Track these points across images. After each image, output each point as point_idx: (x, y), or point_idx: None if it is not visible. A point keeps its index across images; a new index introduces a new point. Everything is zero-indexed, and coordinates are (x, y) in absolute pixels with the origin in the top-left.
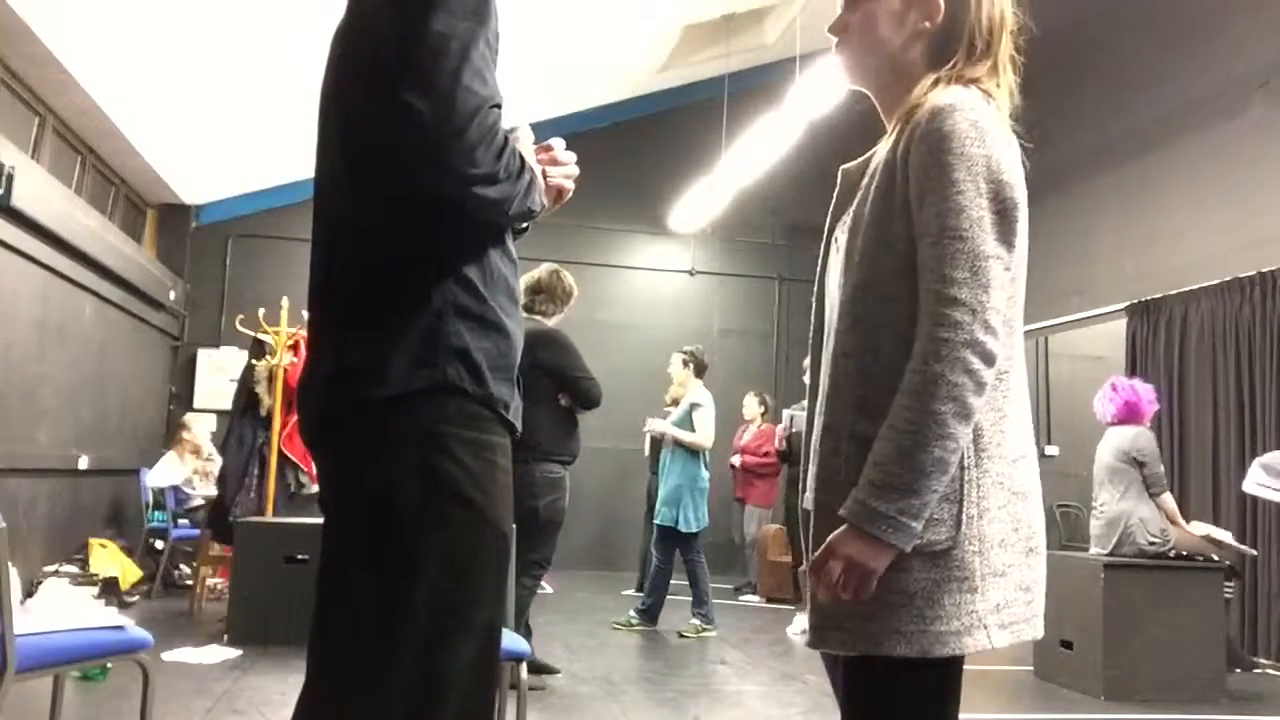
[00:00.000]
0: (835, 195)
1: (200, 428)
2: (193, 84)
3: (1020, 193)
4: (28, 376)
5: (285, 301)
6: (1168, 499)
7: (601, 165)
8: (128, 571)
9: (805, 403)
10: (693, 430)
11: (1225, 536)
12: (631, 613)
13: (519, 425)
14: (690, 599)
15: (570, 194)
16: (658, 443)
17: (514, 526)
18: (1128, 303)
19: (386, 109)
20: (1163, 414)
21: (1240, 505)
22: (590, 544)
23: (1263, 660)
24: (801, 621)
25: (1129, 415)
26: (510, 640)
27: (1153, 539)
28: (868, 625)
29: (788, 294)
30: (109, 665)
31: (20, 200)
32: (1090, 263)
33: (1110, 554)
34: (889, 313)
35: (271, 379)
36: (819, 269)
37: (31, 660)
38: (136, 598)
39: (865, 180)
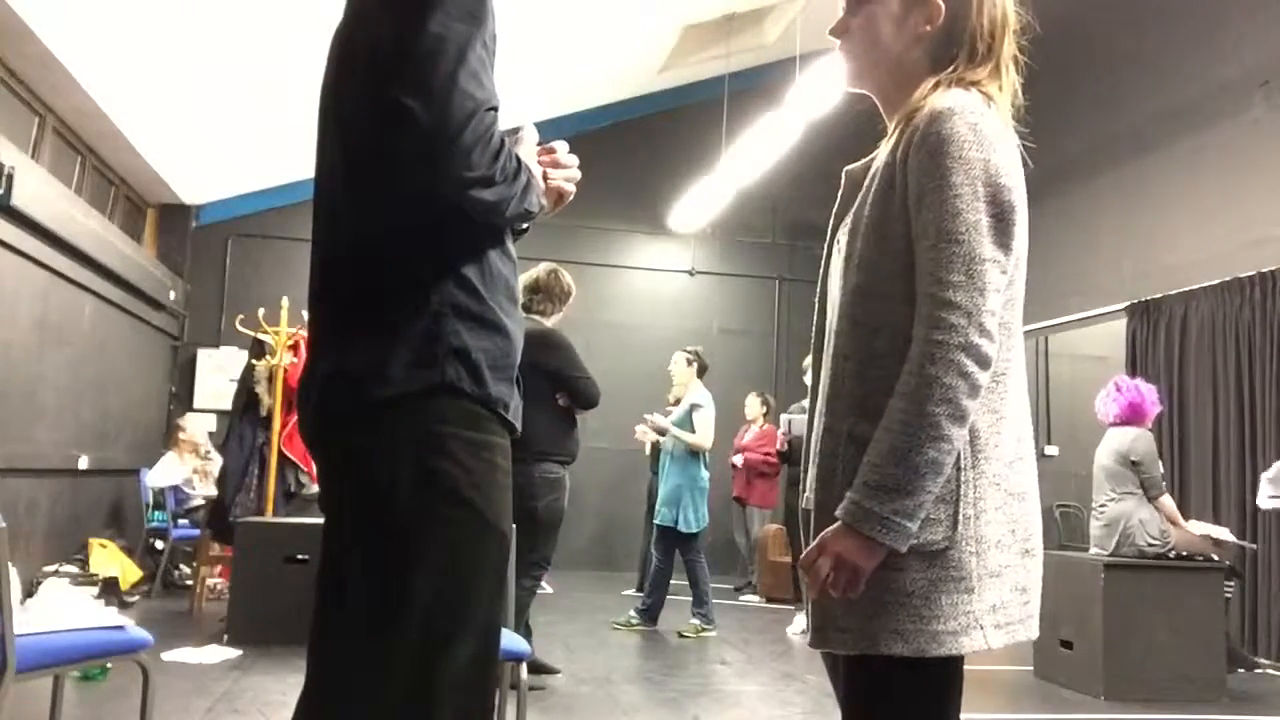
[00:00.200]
0: (839, 196)
1: (197, 427)
2: (193, 84)
3: (1019, 196)
4: (28, 376)
5: (285, 301)
6: (1166, 501)
7: (601, 165)
8: (128, 571)
9: (803, 404)
10: (693, 430)
11: (1224, 534)
12: (632, 613)
13: (519, 425)
14: (690, 599)
15: (571, 197)
16: (658, 443)
17: (514, 526)
18: (1127, 303)
19: (383, 111)
20: (1163, 414)
21: (1240, 505)
22: (590, 544)
23: (1263, 660)
24: (801, 621)
25: (1132, 416)
26: (510, 640)
27: (1152, 541)
28: (866, 625)
29: (788, 294)
30: (109, 665)
31: (20, 200)
32: (1090, 263)
33: (1110, 555)
34: (888, 315)
35: (271, 379)
36: (821, 270)
37: (31, 660)
38: (136, 598)
39: (866, 182)
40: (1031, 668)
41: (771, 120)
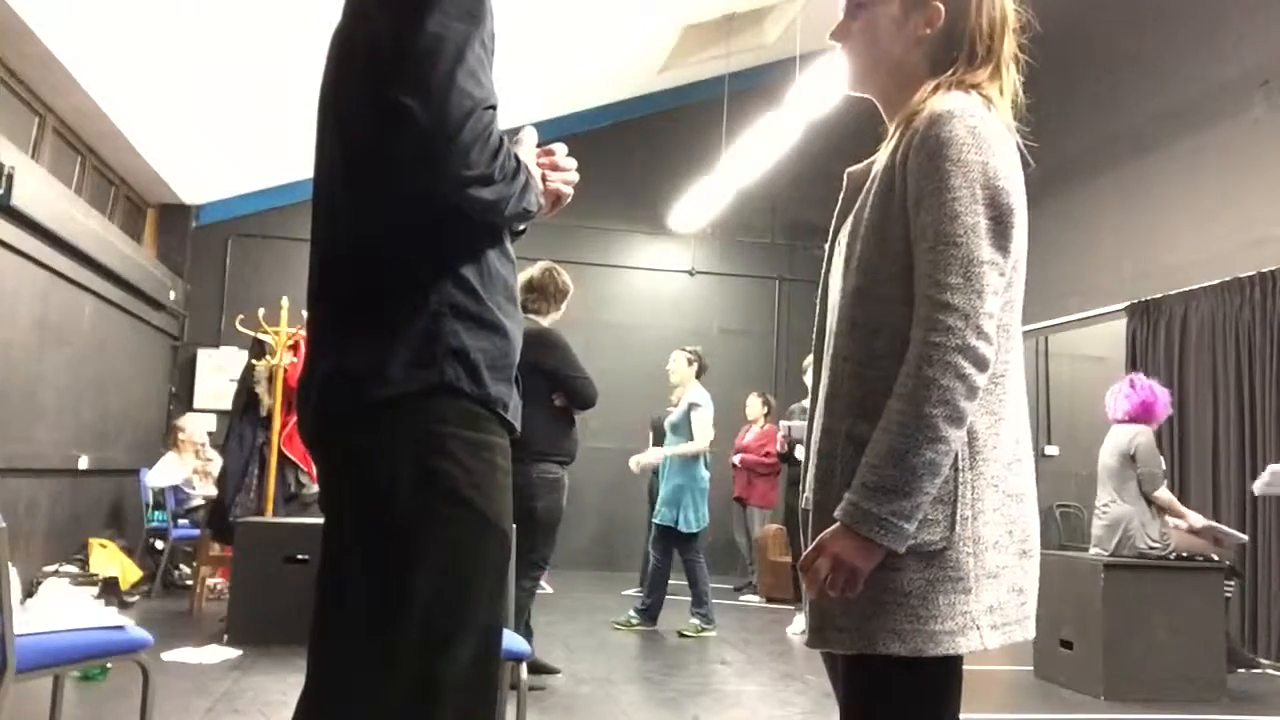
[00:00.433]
0: (840, 198)
1: (196, 427)
2: (193, 84)
3: (1018, 199)
4: (28, 376)
5: (285, 301)
6: (1162, 494)
7: (601, 165)
8: (128, 571)
9: (804, 405)
10: (690, 430)
11: (1221, 527)
12: (631, 612)
13: (518, 425)
14: (690, 599)
15: (569, 199)
16: (658, 442)
17: (514, 526)
18: (1127, 303)
19: (381, 110)
20: None
21: (1240, 504)
22: (590, 544)
23: (1263, 660)
24: (801, 621)
25: (1142, 414)
26: (510, 640)
27: (1153, 545)
28: (864, 624)
29: (788, 294)
30: (109, 665)
31: (20, 200)
32: (1090, 263)
33: (1110, 555)
34: (887, 316)
35: (271, 379)
36: (823, 271)
37: (31, 660)
38: (136, 598)
39: (867, 184)
40: (1031, 668)
41: (771, 120)
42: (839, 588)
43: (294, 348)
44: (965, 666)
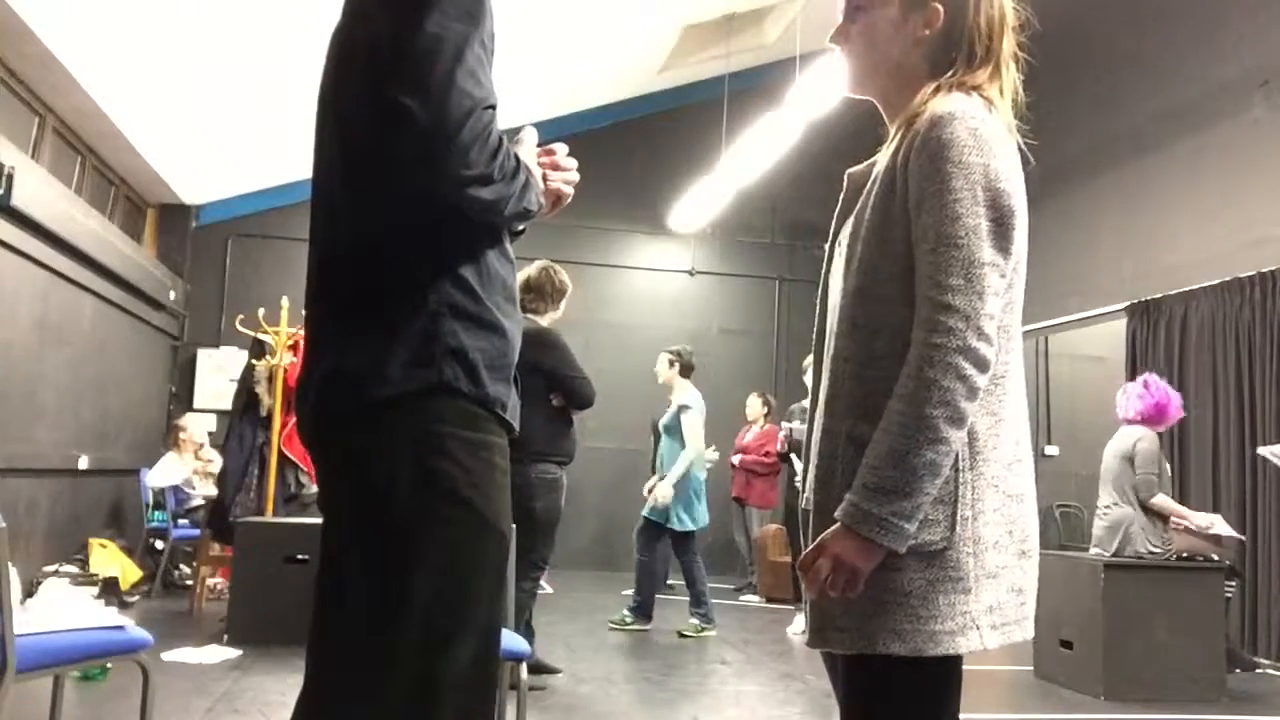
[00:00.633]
0: (840, 199)
1: (197, 427)
2: (193, 84)
3: (1019, 201)
4: (28, 376)
5: (285, 301)
6: (1159, 500)
7: (601, 165)
8: (128, 571)
9: (804, 405)
10: (681, 433)
11: (1220, 523)
12: (625, 612)
13: (517, 425)
14: (689, 599)
15: (569, 199)
16: (658, 442)
17: (513, 526)
18: (1128, 303)
19: (381, 110)
20: None
21: (1240, 504)
22: (590, 544)
23: (1263, 660)
24: (801, 621)
25: (1155, 415)
26: (510, 640)
27: (1153, 548)
28: (864, 624)
29: (788, 294)
30: (109, 665)
31: (20, 200)
32: (1090, 263)
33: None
34: (887, 317)
35: (271, 379)
36: (823, 272)
37: (31, 660)
38: (136, 598)
39: (868, 185)
40: (1031, 668)
41: (771, 120)
42: (840, 588)
43: (294, 348)
44: (965, 666)
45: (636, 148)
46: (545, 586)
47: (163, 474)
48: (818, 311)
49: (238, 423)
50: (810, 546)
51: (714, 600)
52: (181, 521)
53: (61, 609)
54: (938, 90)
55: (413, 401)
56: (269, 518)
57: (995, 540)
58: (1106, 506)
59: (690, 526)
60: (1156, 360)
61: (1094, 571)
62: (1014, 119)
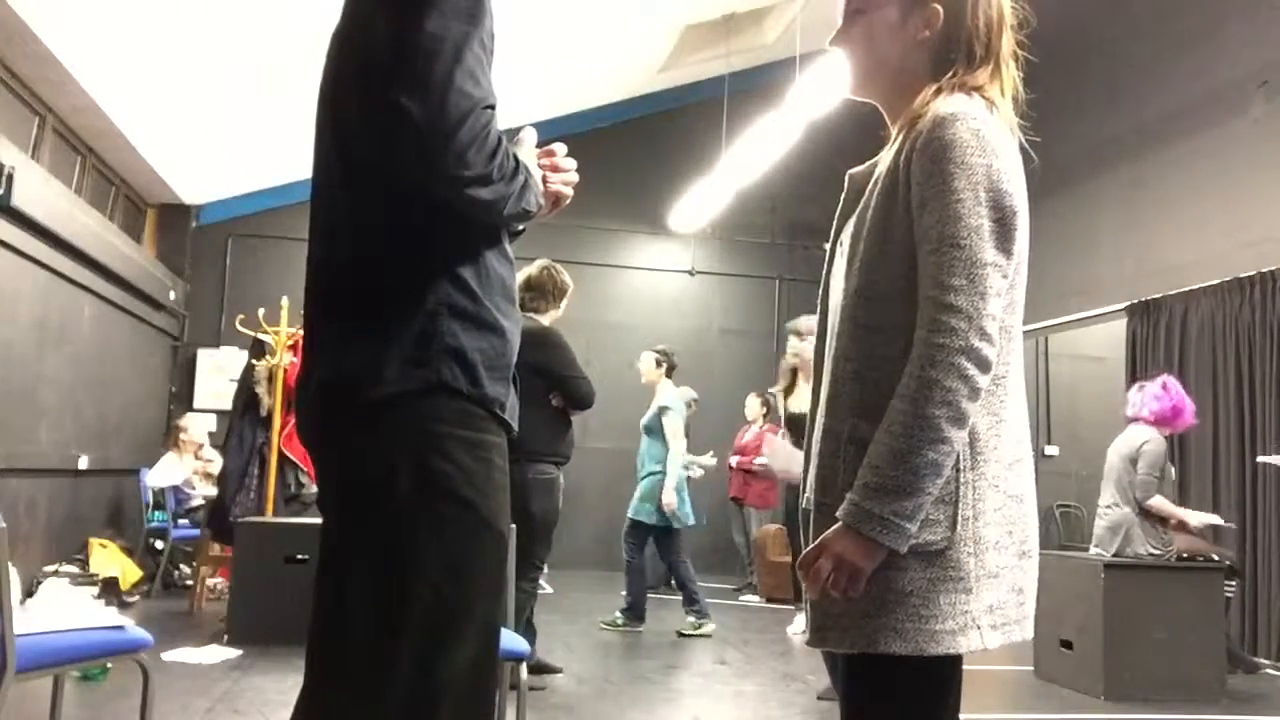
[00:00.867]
0: (841, 200)
1: (198, 427)
2: (193, 84)
3: (1020, 201)
4: (28, 376)
5: (285, 301)
6: (1156, 502)
7: (601, 165)
8: (128, 571)
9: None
10: (662, 434)
11: (1216, 521)
12: (617, 613)
13: (516, 425)
14: (681, 599)
15: (568, 200)
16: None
17: (512, 526)
18: (1128, 303)
19: (379, 110)
20: None
21: (1240, 505)
22: (590, 544)
23: (1263, 660)
24: (801, 621)
25: (1170, 417)
26: (510, 640)
27: (1154, 550)
28: (865, 623)
29: (788, 294)
30: (109, 665)
31: (20, 200)
32: (1090, 263)
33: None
34: (889, 317)
35: (271, 379)
36: (824, 272)
37: (31, 660)
38: (136, 598)
39: (870, 186)
40: (1031, 668)
41: (771, 120)
42: (841, 588)
43: (294, 348)
44: (965, 666)
45: (636, 148)
46: (545, 586)
47: (163, 474)
48: (819, 312)
49: (238, 423)
50: (811, 546)
51: (714, 600)
52: (181, 521)
53: (61, 609)
54: (939, 91)
55: (411, 401)
56: (269, 518)
57: (996, 540)
58: (1108, 506)
59: (672, 525)
60: (1156, 360)
61: (1094, 571)
62: (1015, 118)
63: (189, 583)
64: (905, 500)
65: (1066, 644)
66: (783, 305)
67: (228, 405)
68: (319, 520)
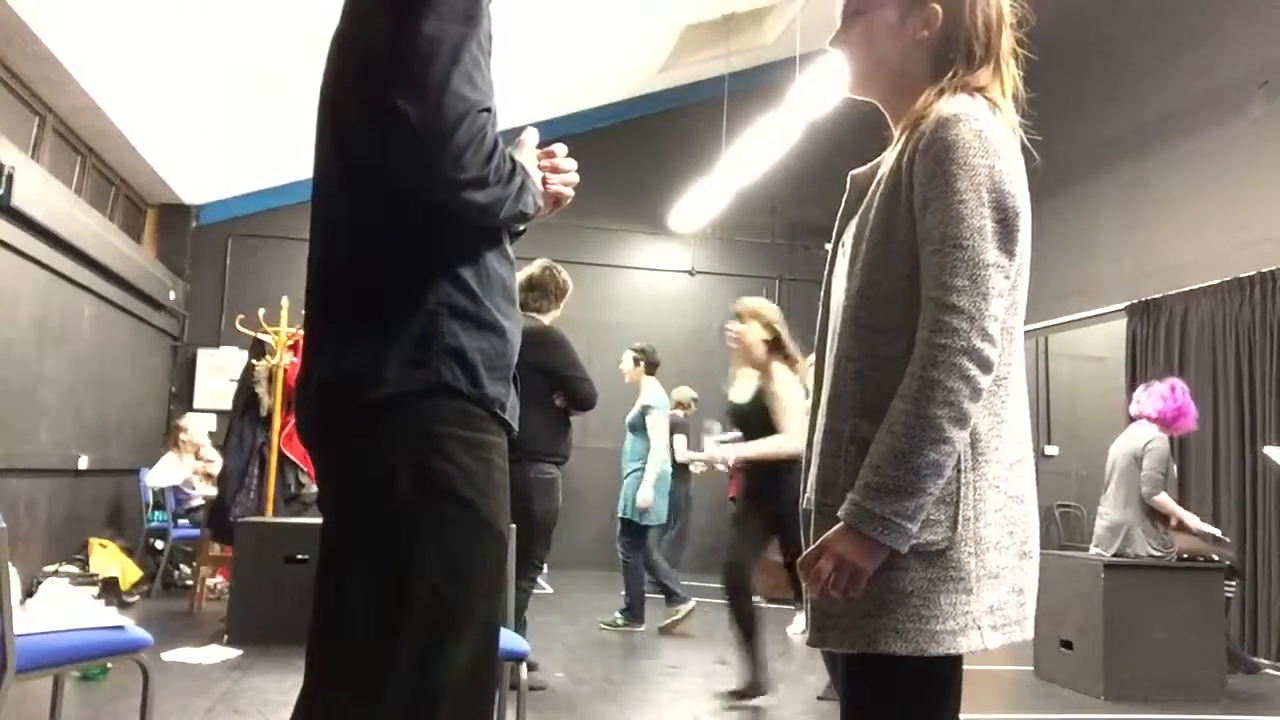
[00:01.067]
0: (844, 200)
1: (197, 427)
2: (193, 84)
3: (1023, 202)
4: (28, 376)
5: (285, 301)
6: (1161, 499)
7: (601, 165)
8: (128, 571)
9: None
10: (646, 432)
11: (1217, 534)
12: (617, 613)
13: (516, 424)
14: (662, 595)
15: (569, 201)
16: (672, 445)
17: (512, 526)
18: (1128, 303)
19: (377, 112)
20: None
21: (1240, 505)
22: (590, 544)
23: (1263, 660)
24: (801, 621)
25: (1175, 418)
26: (510, 640)
27: (1154, 551)
28: (866, 623)
29: (788, 294)
30: (109, 665)
31: (20, 200)
32: (1090, 263)
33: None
34: (890, 318)
35: (271, 379)
36: (826, 273)
37: (31, 660)
38: (136, 598)
39: (872, 187)
40: (1032, 668)
41: (771, 120)
42: (842, 588)
43: (294, 348)
44: (965, 666)
45: (636, 148)
46: (545, 586)
47: (163, 474)
48: (820, 312)
49: (238, 423)
50: (812, 546)
51: (715, 600)
52: (181, 521)
53: (61, 609)
54: (941, 92)
55: (411, 402)
56: (269, 518)
57: (997, 541)
58: (1109, 507)
59: (641, 520)
60: (1156, 360)
61: (1094, 571)
62: (1017, 117)
63: (189, 583)
64: (906, 500)
65: (1066, 644)
66: (783, 305)
67: (228, 405)
68: (319, 520)
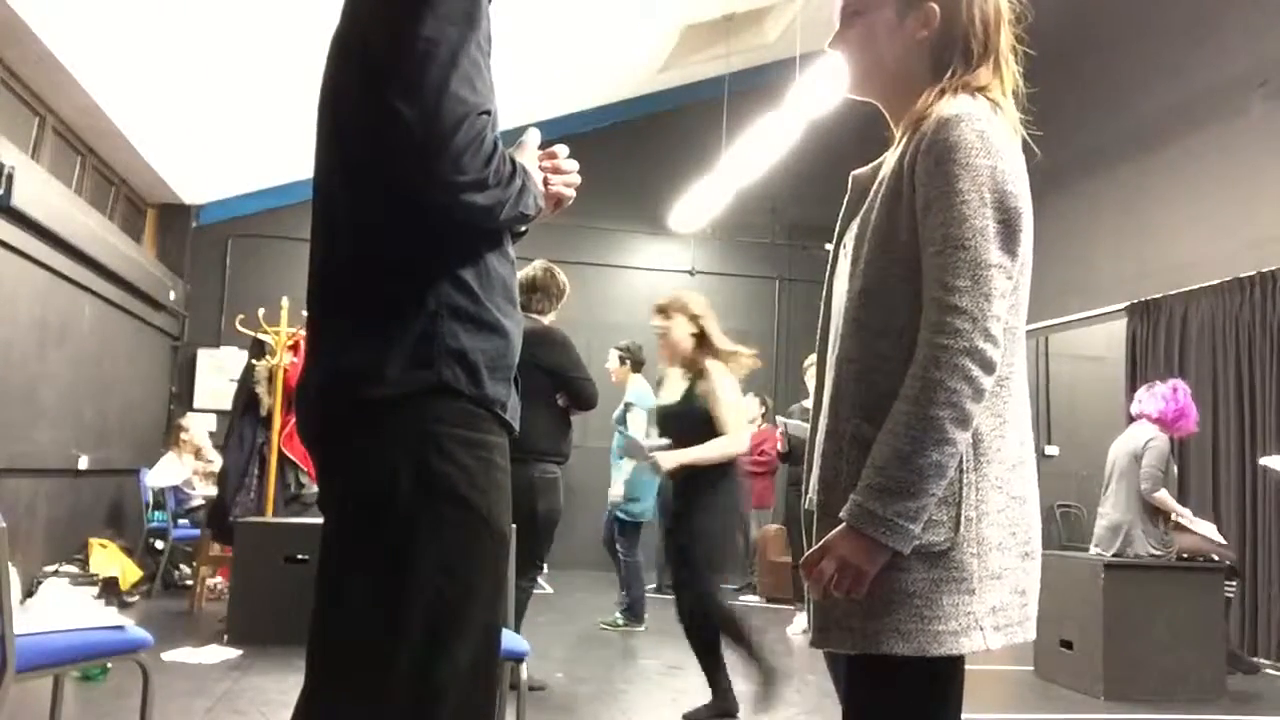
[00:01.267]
0: (845, 201)
1: (197, 427)
2: (193, 84)
3: (1025, 203)
4: (28, 376)
5: (285, 301)
6: (1160, 495)
7: (601, 165)
8: (128, 571)
9: (804, 405)
10: (627, 427)
11: (1216, 536)
12: (617, 614)
13: (517, 425)
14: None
15: (570, 201)
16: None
17: (513, 526)
18: (1128, 303)
19: (376, 114)
20: None
21: (1240, 505)
22: (591, 544)
23: (1263, 660)
24: (802, 621)
25: (1175, 419)
26: (510, 640)
27: (1154, 551)
28: (868, 624)
29: (788, 294)
30: (109, 665)
31: (20, 200)
32: (1090, 262)
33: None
34: (892, 318)
35: (271, 379)
36: (828, 273)
37: (31, 660)
38: (136, 598)
39: (874, 187)
40: (1032, 668)
41: (771, 120)
42: (844, 588)
43: (294, 348)
44: (966, 666)
45: (636, 148)
46: (545, 586)
47: (163, 474)
48: (821, 313)
49: (238, 423)
50: (815, 547)
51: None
52: (181, 521)
53: (61, 609)
54: (942, 92)
55: (412, 402)
56: (269, 518)
57: (999, 542)
58: (1109, 506)
59: (626, 518)
60: (1156, 360)
61: (1094, 571)
62: (1018, 115)
63: (189, 583)
64: (909, 501)
65: (1066, 644)
66: (783, 306)
67: (228, 405)
68: (319, 520)
